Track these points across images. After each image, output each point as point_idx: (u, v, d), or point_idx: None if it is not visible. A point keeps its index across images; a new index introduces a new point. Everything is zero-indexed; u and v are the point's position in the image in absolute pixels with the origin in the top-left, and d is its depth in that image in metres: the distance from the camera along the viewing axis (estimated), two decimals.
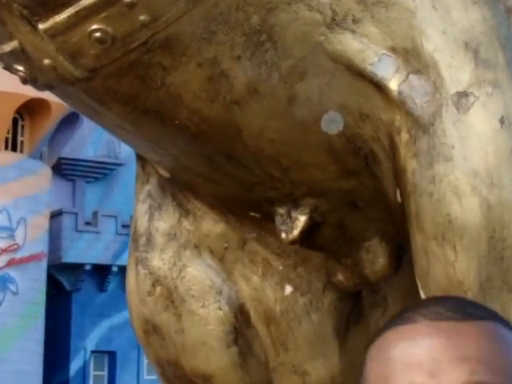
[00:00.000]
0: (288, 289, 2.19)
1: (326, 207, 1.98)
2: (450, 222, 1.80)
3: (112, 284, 28.61)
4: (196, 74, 1.74)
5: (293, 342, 2.21)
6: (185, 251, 2.20)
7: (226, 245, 2.19)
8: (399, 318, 1.09)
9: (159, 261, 2.20)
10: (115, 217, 28.23)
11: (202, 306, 2.16)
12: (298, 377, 2.23)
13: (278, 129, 1.85)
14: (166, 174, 2.18)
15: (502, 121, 1.81)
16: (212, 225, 2.19)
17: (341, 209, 2.00)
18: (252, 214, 2.12)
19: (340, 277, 2.14)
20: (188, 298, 2.17)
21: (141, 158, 2.29)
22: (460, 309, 1.08)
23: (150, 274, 2.20)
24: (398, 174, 1.86)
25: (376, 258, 2.07)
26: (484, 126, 1.81)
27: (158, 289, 2.19)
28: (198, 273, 2.19)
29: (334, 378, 2.24)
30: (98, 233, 28.00)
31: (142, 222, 2.26)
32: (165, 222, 2.23)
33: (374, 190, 1.95)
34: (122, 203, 27.53)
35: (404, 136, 1.84)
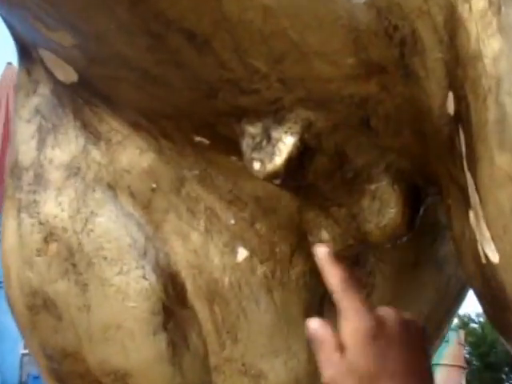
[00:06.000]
0: (242, 253, 1.50)
1: (325, 125, 1.29)
2: None
3: None
4: None
5: (245, 330, 1.50)
6: (93, 193, 1.47)
7: (154, 185, 1.47)
8: None
9: (55, 206, 1.46)
10: None
11: (119, 273, 1.43)
12: (250, 379, 1.53)
13: None
14: (68, 78, 1.43)
15: None
16: (136, 155, 1.47)
17: (345, 128, 1.30)
18: (198, 138, 1.42)
19: (325, 235, 1.45)
20: (98, 260, 1.43)
21: (27, 60, 1.54)
22: None
23: (41, 224, 1.45)
24: (462, 65, 1.16)
25: (385, 207, 1.38)
26: None
27: (54, 246, 1.44)
28: (113, 225, 1.45)
29: (299, 382, 1.57)
30: None
31: (26, 150, 1.51)
32: (63, 150, 1.49)
33: (401, 100, 1.26)
34: None
35: (478, 3, 1.15)
